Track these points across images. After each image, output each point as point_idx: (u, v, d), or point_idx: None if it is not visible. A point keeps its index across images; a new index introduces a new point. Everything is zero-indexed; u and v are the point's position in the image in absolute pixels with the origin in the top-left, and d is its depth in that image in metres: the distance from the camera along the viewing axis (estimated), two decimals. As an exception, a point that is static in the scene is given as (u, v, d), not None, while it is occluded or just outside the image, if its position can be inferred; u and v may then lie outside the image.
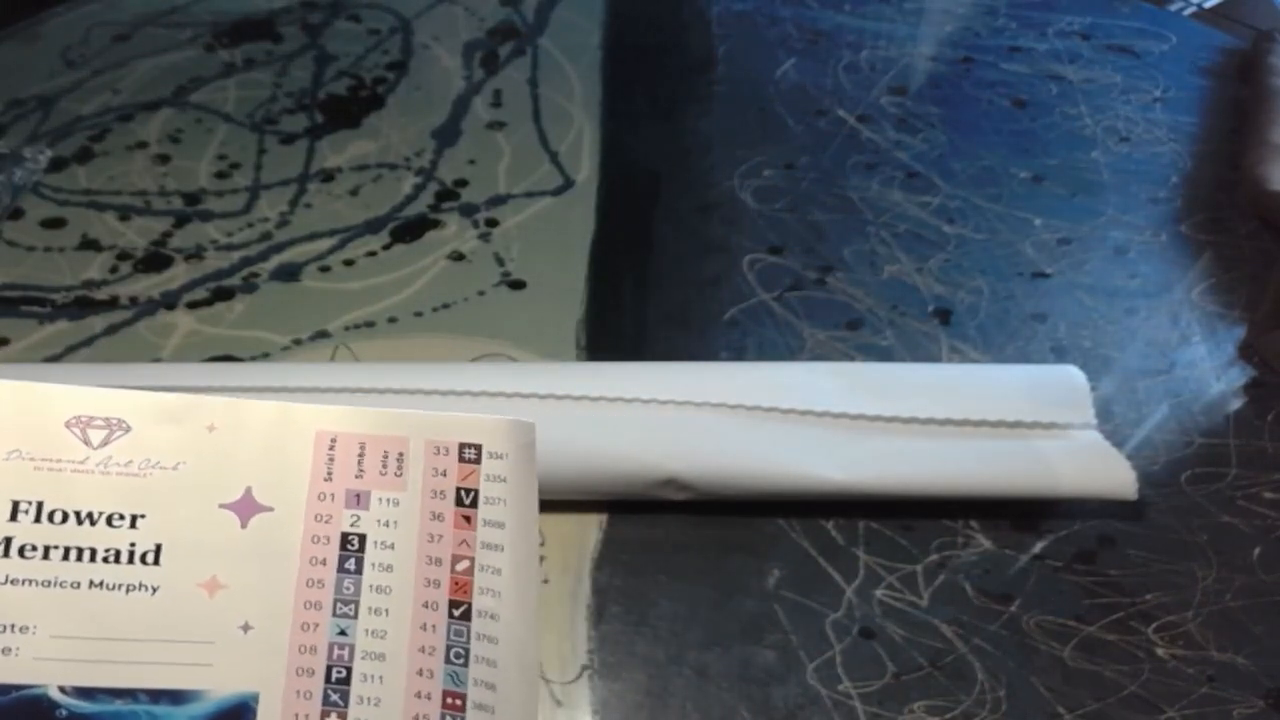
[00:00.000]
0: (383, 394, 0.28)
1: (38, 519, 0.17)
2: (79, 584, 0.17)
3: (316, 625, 0.18)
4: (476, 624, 0.18)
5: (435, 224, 0.37)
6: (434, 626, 0.18)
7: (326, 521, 0.18)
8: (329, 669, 0.17)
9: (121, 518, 0.18)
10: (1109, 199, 0.39)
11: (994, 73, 0.45)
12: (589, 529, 0.28)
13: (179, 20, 0.46)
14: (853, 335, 0.33)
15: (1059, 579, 0.27)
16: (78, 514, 0.18)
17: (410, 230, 0.37)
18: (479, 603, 0.19)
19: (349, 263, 0.35)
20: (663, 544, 0.27)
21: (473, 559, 0.19)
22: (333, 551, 0.18)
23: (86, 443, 0.18)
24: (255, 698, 0.17)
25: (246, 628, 0.18)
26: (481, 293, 0.34)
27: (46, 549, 0.17)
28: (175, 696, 0.17)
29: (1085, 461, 0.28)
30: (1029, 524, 0.28)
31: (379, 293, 0.34)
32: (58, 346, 0.32)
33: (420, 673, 0.18)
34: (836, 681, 0.25)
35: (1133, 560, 0.27)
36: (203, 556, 0.18)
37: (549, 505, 0.28)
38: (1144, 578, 0.27)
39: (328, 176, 0.39)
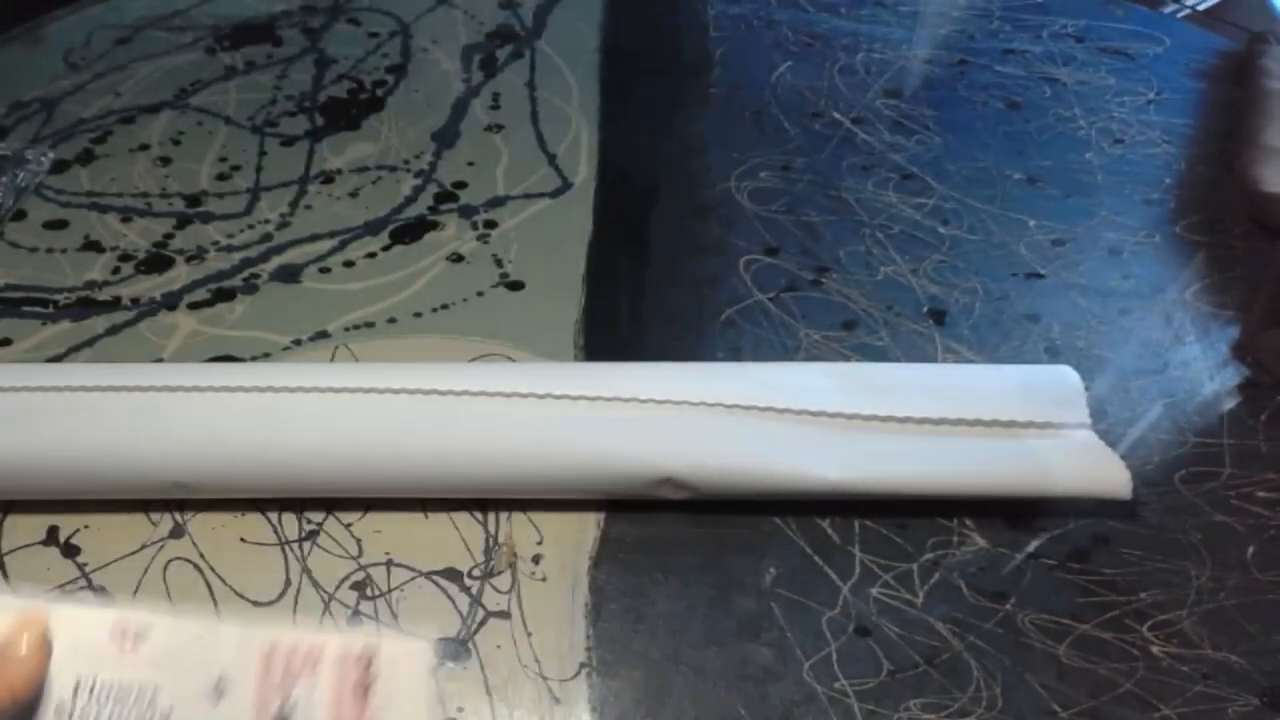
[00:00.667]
0: (382, 394, 0.28)
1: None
2: None
3: None
4: None
5: (434, 225, 0.37)
6: None
7: (266, 702, 0.24)
8: None
9: (147, 704, 0.24)
10: (1103, 200, 0.39)
11: (988, 75, 0.45)
12: (587, 528, 0.28)
13: (180, 23, 0.47)
14: (848, 335, 0.33)
15: (1054, 577, 0.27)
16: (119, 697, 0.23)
17: (410, 232, 0.37)
18: None
19: (349, 264, 0.35)
20: (660, 543, 0.28)
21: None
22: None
23: (123, 650, 0.24)
24: None
25: None
26: (480, 293, 0.35)
27: None
28: None
29: (1080, 461, 0.28)
30: (1024, 523, 0.28)
31: (379, 294, 0.34)
32: (60, 347, 0.32)
33: None
34: (833, 679, 0.25)
35: (1127, 559, 0.28)
36: None
37: (548, 504, 0.28)
38: (1139, 576, 0.27)
39: (328, 178, 0.39)
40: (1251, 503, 0.29)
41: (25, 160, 0.38)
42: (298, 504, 0.28)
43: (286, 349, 0.32)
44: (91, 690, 0.23)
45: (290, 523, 0.28)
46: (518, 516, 0.28)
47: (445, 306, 0.34)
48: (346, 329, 0.33)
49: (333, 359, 0.32)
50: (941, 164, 0.40)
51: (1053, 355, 0.33)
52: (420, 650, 0.25)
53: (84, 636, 0.24)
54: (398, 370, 0.29)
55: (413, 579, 0.26)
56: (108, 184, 0.38)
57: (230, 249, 0.36)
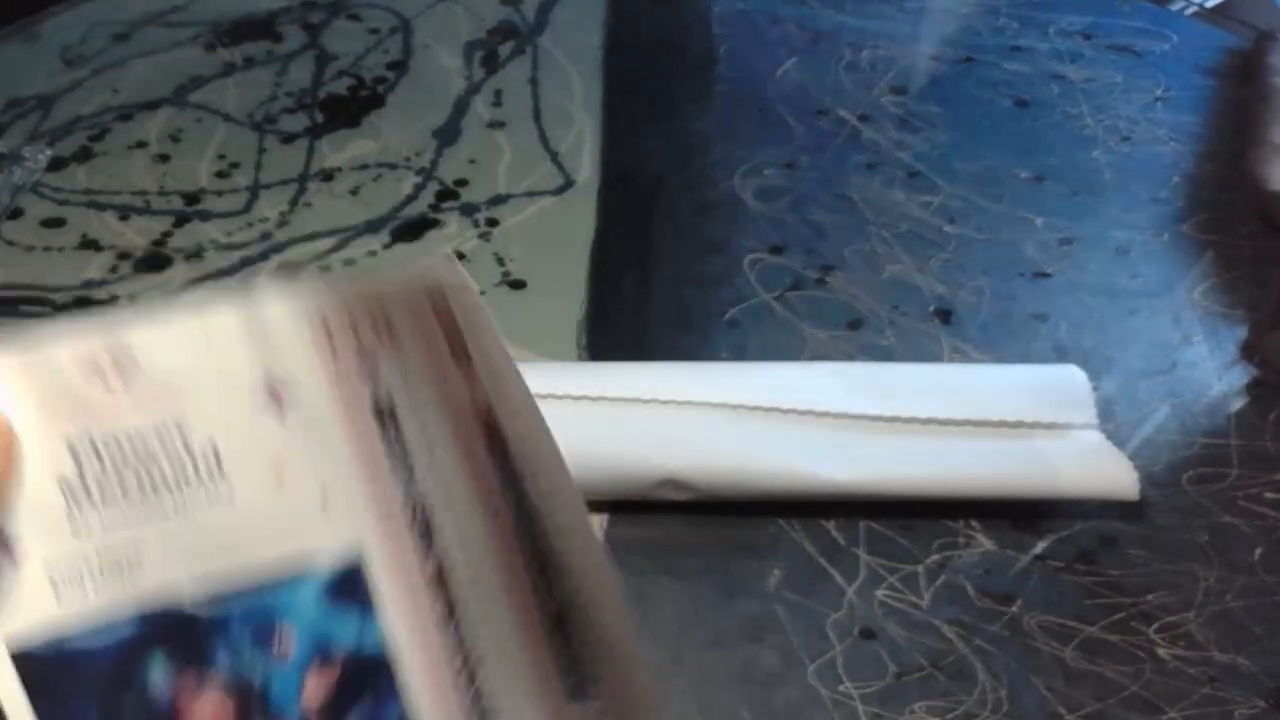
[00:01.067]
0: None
1: (103, 469, 0.19)
2: (166, 514, 0.19)
3: (385, 489, 0.19)
4: (515, 447, 0.20)
5: (436, 223, 0.37)
6: (481, 459, 0.20)
7: (351, 394, 0.19)
8: (412, 521, 0.19)
9: (173, 440, 0.19)
10: (1110, 199, 0.39)
11: (995, 72, 0.45)
12: (590, 529, 0.28)
13: (179, 20, 0.46)
14: (854, 335, 0.33)
15: (1060, 579, 0.27)
16: (135, 450, 0.19)
17: (411, 230, 0.37)
18: (509, 427, 0.20)
19: (349, 262, 0.35)
20: (663, 544, 0.27)
21: (487, 392, 0.20)
22: (369, 420, 0.19)
23: (110, 390, 0.19)
24: (359, 558, 0.19)
25: (325, 503, 0.19)
26: (482, 292, 0.34)
27: (123, 488, 0.19)
28: (291, 581, 0.19)
29: (1087, 461, 0.28)
30: (1030, 524, 0.28)
31: (379, 292, 0.34)
32: (58, 346, 0.32)
33: (486, 504, 0.19)
34: (837, 682, 0.25)
35: (1134, 560, 0.27)
36: (259, 453, 0.19)
37: (549, 505, 0.28)
38: (1145, 578, 0.27)
39: (328, 176, 0.39)
40: (1259, 503, 0.29)
41: (22, 158, 0.38)
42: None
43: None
44: (97, 455, 0.19)
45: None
46: (520, 518, 0.28)
47: (447, 305, 0.34)
48: (347, 328, 0.33)
49: (333, 358, 0.32)
50: (948, 162, 0.40)
51: (1060, 355, 0.33)
52: (473, 287, 0.20)
53: (46, 394, 0.19)
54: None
55: (414, 581, 0.26)
56: (106, 182, 0.38)
57: (229, 247, 0.36)
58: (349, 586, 0.19)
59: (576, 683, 0.19)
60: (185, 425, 0.19)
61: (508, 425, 0.20)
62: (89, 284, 0.34)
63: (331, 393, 0.19)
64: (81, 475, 0.19)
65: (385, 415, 0.20)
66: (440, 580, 0.19)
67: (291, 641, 0.19)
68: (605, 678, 0.19)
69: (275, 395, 0.19)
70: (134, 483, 0.19)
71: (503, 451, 0.20)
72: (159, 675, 0.18)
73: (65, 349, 0.19)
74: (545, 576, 0.20)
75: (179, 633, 0.19)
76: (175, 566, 0.19)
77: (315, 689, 0.19)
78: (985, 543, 0.28)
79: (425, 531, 0.19)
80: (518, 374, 0.20)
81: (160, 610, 0.18)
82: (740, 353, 0.33)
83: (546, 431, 0.20)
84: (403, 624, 0.19)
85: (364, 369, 0.19)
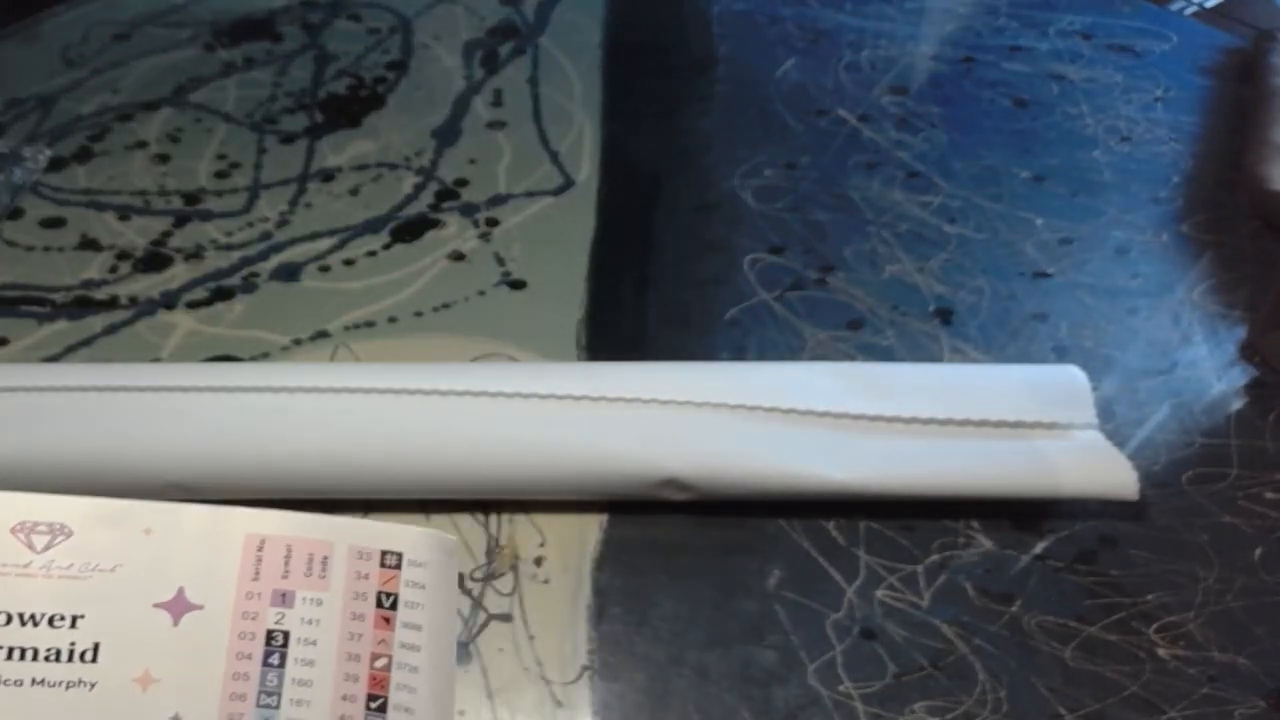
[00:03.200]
0: (382, 394, 0.28)
1: None
2: (22, 682, 0.18)
3: (242, 715, 0.19)
4: (392, 715, 0.20)
5: (435, 224, 0.37)
6: (351, 718, 0.19)
7: (253, 619, 0.19)
8: None
9: (63, 618, 0.19)
10: (1110, 199, 0.39)
11: (995, 72, 0.45)
12: (589, 529, 0.28)
13: (178, 19, 0.46)
14: (854, 335, 0.33)
15: (1060, 579, 0.27)
16: (21, 616, 0.19)
17: (410, 230, 0.37)
18: (395, 697, 0.20)
19: (349, 262, 0.35)
20: (663, 544, 0.27)
21: (390, 657, 0.20)
22: (258, 647, 0.19)
23: (30, 548, 0.19)
24: None
25: (176, 719, 0.19)
26: (482, 293, 0.34)
27: None
28: None
29: (1086, 461, 0.28)
30: (1030, 524, 0.28)
31: (379, 293, 0.34)
32: (57, 346, 0.32)
33: None
34: (837, 682, 0.25)
35: (1134, 560, 0.27)
36: (137, 653, 0.19)
37: (550, 506, 0.28)
38: (1145, 578, 0.27)
39: (328, 176, 0.39)
40: (1259, 504, 0.29)
41: (22, 158, 0.38)
42: (298, 506, 0.28)
43: (286, 349, 0.32)
44: None
45: (290, 524, 0.27)
46: (520, 518, 0.28)
47: (446, 306, 0.34)
48: (346, 328, 0.33)
49: (332, 359, 0.32)
50: (948, 162, 0.40)
51: (1060, 355, 0.33)
52: (447, 544, 0.20)
53: None
54: (398, 370, 0.29)
55: (414, 581, 0.26)
56: (105, 182, 0.38)
57: (229, 247, 0.36)
58: None
59: None
60: (80, 616, 0.19)
61: (398, 692, 0.19)
62: (89, 284, 0.34)
63: (234, 611, 0.19)
64: None
65: (276, 643, 0.19)
66: None
67: None
68: None
69: (180, 603, 0.19)
70: (4, 653, 0.18)
71: (378, 713, 0.19)
72: None
73: (5, 500, 0.19)
74: None
75: None
76: None
77: None
78: (985, 543, 0.28)
79: None
80: (443, 654, 0.20)
81: None
82: (740, 352, 0.33)
83: (444, 717, 0.20)
84: None
85: (277, 596, 0.19)
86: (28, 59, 0.44)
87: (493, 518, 0.28)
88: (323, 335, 0.33)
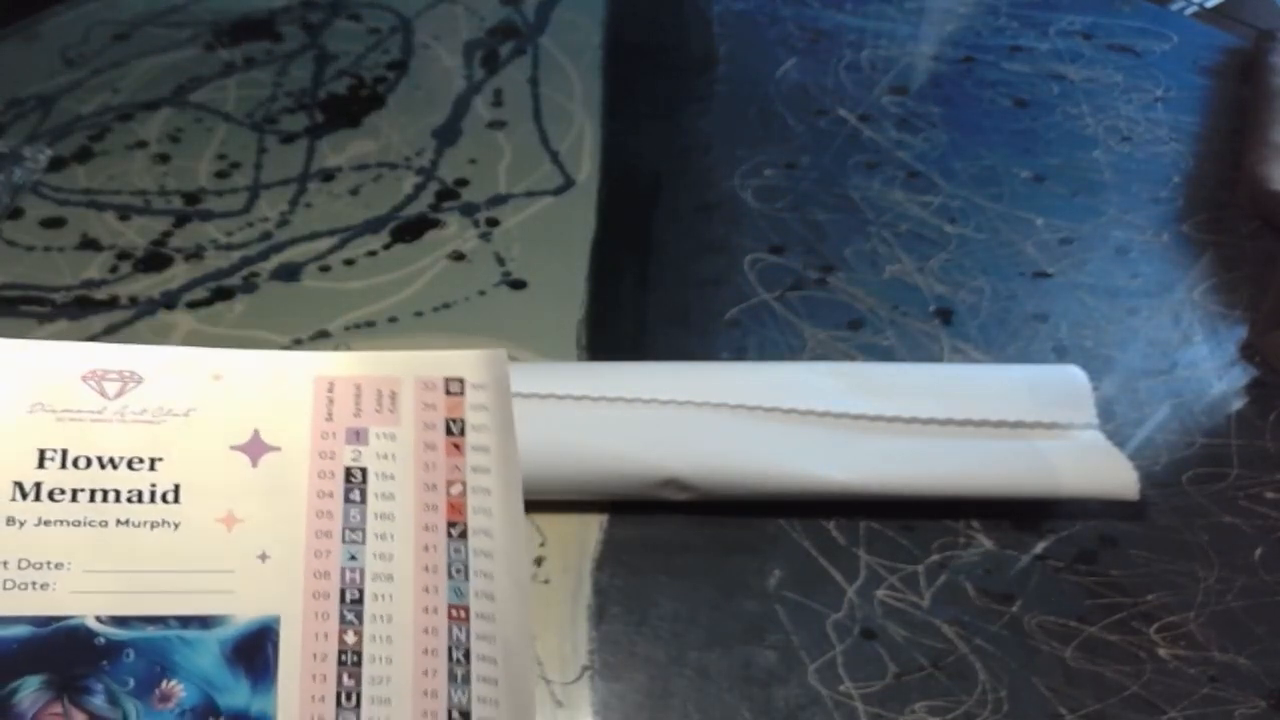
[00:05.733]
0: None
1: (64, 465, 0.19)
2: (106, 523, 0.19)
3: (329, 553, 0.19)
4: (473, 541, 0.20)
5: (436, 223, 0.37)
6: (435, 546, 0.20)
7: (330, 458, 0.20)
8: (343, 591, 0.19)
9: (141, 461, 0.19)
10: (1110, 199, 0.39)
11: (995, 72, 0.45)
12: (590, 529, 0.28)
13: (179, 19, 0.46)
14: (854, 335, 0.33)
15: (1060, 579, 0.27)
16: (100, 459, 0.19)
17: (411, 230, 0.37)
18: (474, 521, 0.20)
19: (349, 262, 0.35)
20: (664, 544, 0.27)
21: (464, 482, 0.20)
22: (338, 485, 0.20)
23: (103, 394, 0.20)
24: (277, 620, 0.19)
25: (264, 557, 0.19)
26: (482, 292, 0.34)
27: (74, 492, 0.19)
28: (203, 621, 0.18)
29: (1087, 461, 0.28)
30: (1030, 524, 0.28)
31: (379, 292, 0.34)
32: (57, 346, 0.32)
33: (426, 589, 0.19)
34: (838, 682, 0.25)
35: (1134, 560, 0.27)
36: (219, 494, 0.19)
37: (550, 505, 0.28)
38: (1146, 578, 0.27)
39: (328, 176, 0.39)
40: (1260, 504, 0.29)
41: (22, 158, 0.38)
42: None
43: (286, 349, 0.32)
44: (63, 459, 0.19)
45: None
46: (520, 517, 0.28)
47: (447, 305, 0.34)
48: (347, 328, 0.33)
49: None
50: (948, 162, 0.40)
51: (1060, 355, 0.33)
52: (501, 360, 0.20)
53: (47, 382, 0.19)
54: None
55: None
56: (105, 182, 0.38)
57: (229, 247, 0.36)
58: (255, 647, 0.18)
59: None
60: (158, 459, 0.19)
61: (476, 516, 0.20)
62: (89, 284, 0.34)
63: (312, 450, 0.20)
64: (39, 482, 0.19)
65: (355, 480, 0.20)
66: (354, 657, 0.19)
67: (178, 689, 0.18)
68: None
69: (258, 445, 0.19)
70: (87, 494, 0.19)
71: (460, 539, 0.20)
72: (26, 698, 0.17)
73: (76, 349, 0.20)
74: (461, 674, 0.19)
75: (68, 652, 0.18)
76: (97, 578, 0.18)
77: None
78: (985, 542, 0.28)
79: (355, 602, 0.19)
80: (513, 473, 0.20)
81: (60, 623, 0.18)
82: (740, 352, 0.33)
83: (519, 535, 0.20)
84: (298, 696, 0.18)
85: (351, 434, 0.20)
86: (28, 59, 0.44)
87: (493, 518, 0.28)
88: (323, 335, 0.33)
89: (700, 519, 0.28)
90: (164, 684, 0.18)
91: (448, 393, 0.21)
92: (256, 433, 0.20)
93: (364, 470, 0.20)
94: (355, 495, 0.20)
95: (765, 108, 0.43)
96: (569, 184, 0.39)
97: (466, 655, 0.19)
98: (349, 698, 0.19)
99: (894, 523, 0.28)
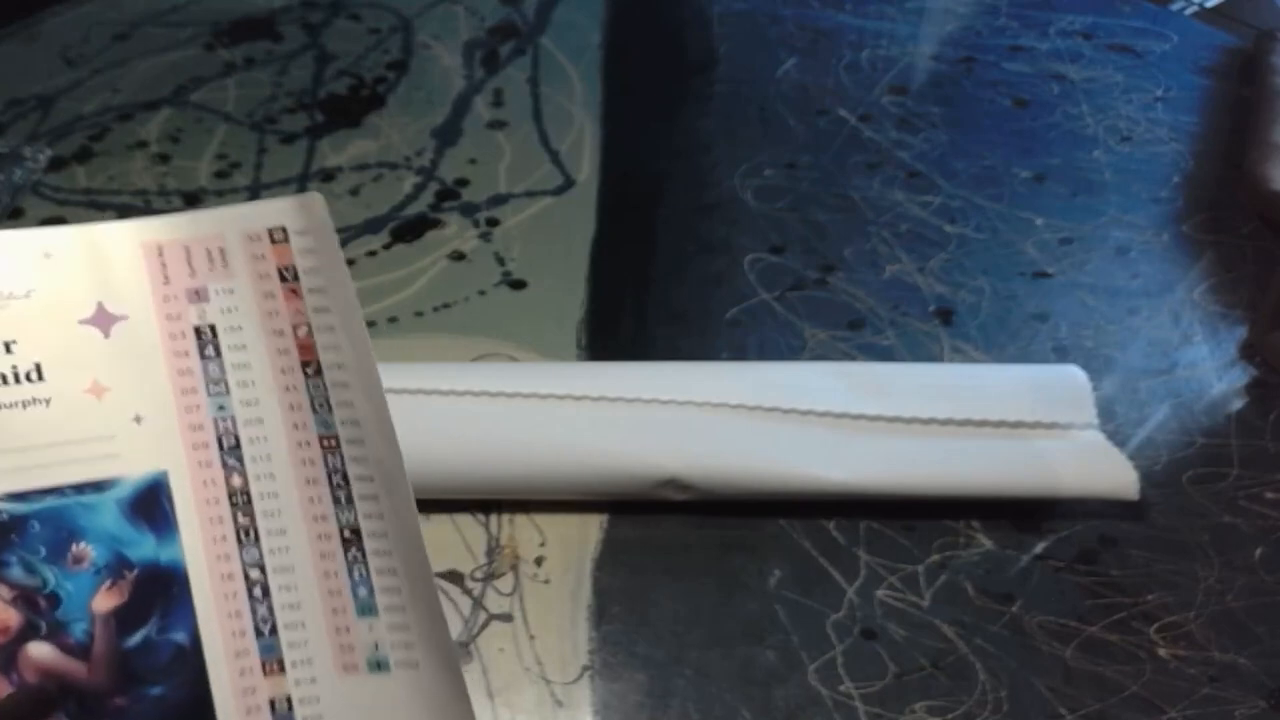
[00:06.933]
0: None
1: None
2: None
3: (198, 407, 0.20)
4: (329, 375, 0.21)
5: (436, 223, 0.37)
6: (295, 387, 0.21)
7: (178, 319, 0.21)
8: (219, 440, 0.20)
9: None
10: (1110, 199, 0.39)
11: (995, 72, 0.45)
12: (590, 529, 0.28)
13: (179, 19, 0.46)
14: (854, 335, 0.33)
15: (1060, 579, 0.27)
16: None
17: (411, 230, 0.37)
18: (326, 357, 0.21)
19: (349, 262, 0.35)
20: (664, 544, 0.27)
21: (309, 323, 0.21)
22: (191, 344, 0.21)
23: None
24: (165, 474, 0.20)
25: (138, 419, 0.20)
26: (482, 292, 0.34)
27: None
28: (96, 486, 0.20)
29: (1087, 461, 0.28)
30: (1030, 524, 0.28)
31: (379, 292, 0.34)
32: (58, 346, 0.32)
33: (296, 425, 0.21)
34: (838, 682, 0.25)
35: (1134, 560, 0.27)
36: (80, 366, 0.20)
37: (551, 506, 0.28)
38: (1146, 578, 0.27)
39: (328, 176, 0.39)
40: (1259, 504, 0.29)
41: (22, 158, 0.38)
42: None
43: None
44: None
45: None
46: (520, 518, 0.28)
47: (447, 305, 0.34)
48: (347, 328, 0.33)
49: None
50: (948, 162, 0.40)
51: (1060, 355, 0.33)
52: (318, 203, 0.21)
53: None
54: (399, 370, 0.29)
55: (414, 581, 0.26)
56: (105, 182, 0.38)
57: (230, 247, 0.36)
58: (151, 501, 0.20)
59: (366, 599, 0.20)
60: (11, 341, 0.20)
61: (326, 353, 0.21)
62: (89, 284, 0.34)
63: (158, 314, 0.20)
64: None
65: (206, 337, 0.21)
66: (243, 497, 0.20)
67: (88, 550, 0.19)
68: (394, 595, 0.20)
69: (104, 316, 0.20)
70: None
71: (316, 376, 0.21)
72: None
73: None
74: (344, 496, 0.20)
75: None
76: None
77: (106, 597, 0.19)
78: (985, 542, 0.28)
79: (233, 448, 0.20)
80: (351, 306, 0.21)
81: None
82: (740, 352, 0.33)
83: (368, 363, 0.21)
84: (201, 539, 0.20)
85: (191, 294, 0.21)
86: (28, 59, 0.44)
87: (493, 518, 0.28)
88: (323, 335, 0.33)
89: (700, 519, 0.28)
90: (75, 547, 0.19)
91: (273, 241, 0.22)
92: (100, 304, 0.21)
93: (212, 327, 0.21)
94: (210, 351, 0.21)
95: (765, 108, 0.43)
96: (569, 184, 0.39)
97: (345, 479, 0.21)
98: (247, 534, 0.20)
99: (894, 523, 0.28)
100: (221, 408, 0.20)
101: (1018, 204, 0.39)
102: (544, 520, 0.28)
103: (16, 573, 0.19)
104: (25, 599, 0.19)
